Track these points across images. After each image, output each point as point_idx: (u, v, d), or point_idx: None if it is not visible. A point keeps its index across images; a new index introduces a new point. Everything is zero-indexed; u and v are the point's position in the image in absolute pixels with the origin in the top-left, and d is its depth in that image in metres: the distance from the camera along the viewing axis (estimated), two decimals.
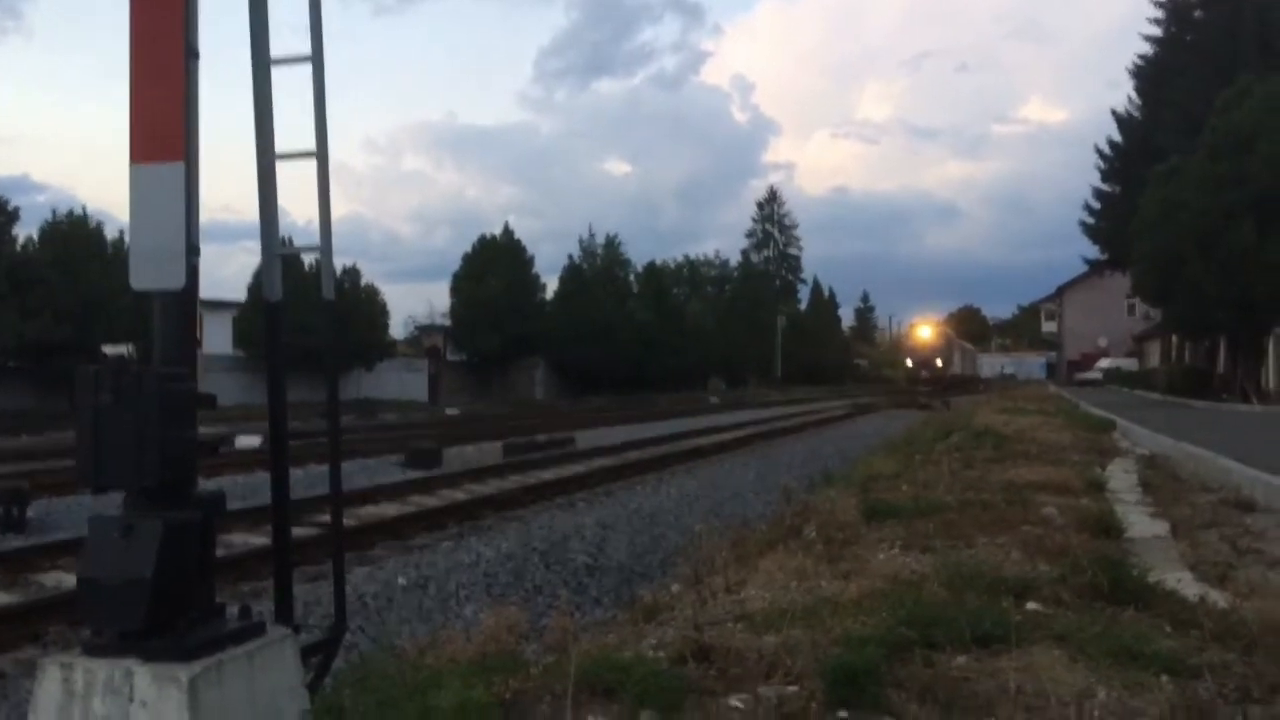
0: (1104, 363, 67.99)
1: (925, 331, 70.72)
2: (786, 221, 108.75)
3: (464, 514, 11.95)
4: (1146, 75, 42.42)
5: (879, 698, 3.32)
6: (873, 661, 3.48)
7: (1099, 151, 45.80)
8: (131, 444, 3.37)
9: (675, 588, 6.45)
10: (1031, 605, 4.49)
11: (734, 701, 3.32)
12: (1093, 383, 60.19)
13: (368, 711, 3.49)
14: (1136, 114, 43.52)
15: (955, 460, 11.63)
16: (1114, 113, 45.02)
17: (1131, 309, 65.89)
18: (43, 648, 5.89)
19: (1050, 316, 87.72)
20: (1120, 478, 10.66)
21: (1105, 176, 45.63)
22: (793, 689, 3.40)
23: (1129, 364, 63.95)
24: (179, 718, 3.06)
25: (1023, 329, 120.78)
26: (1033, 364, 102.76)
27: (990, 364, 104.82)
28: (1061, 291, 78.73)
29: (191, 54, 3.72)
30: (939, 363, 67.38)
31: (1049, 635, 3.96)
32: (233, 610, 3.66)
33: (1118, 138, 44.82)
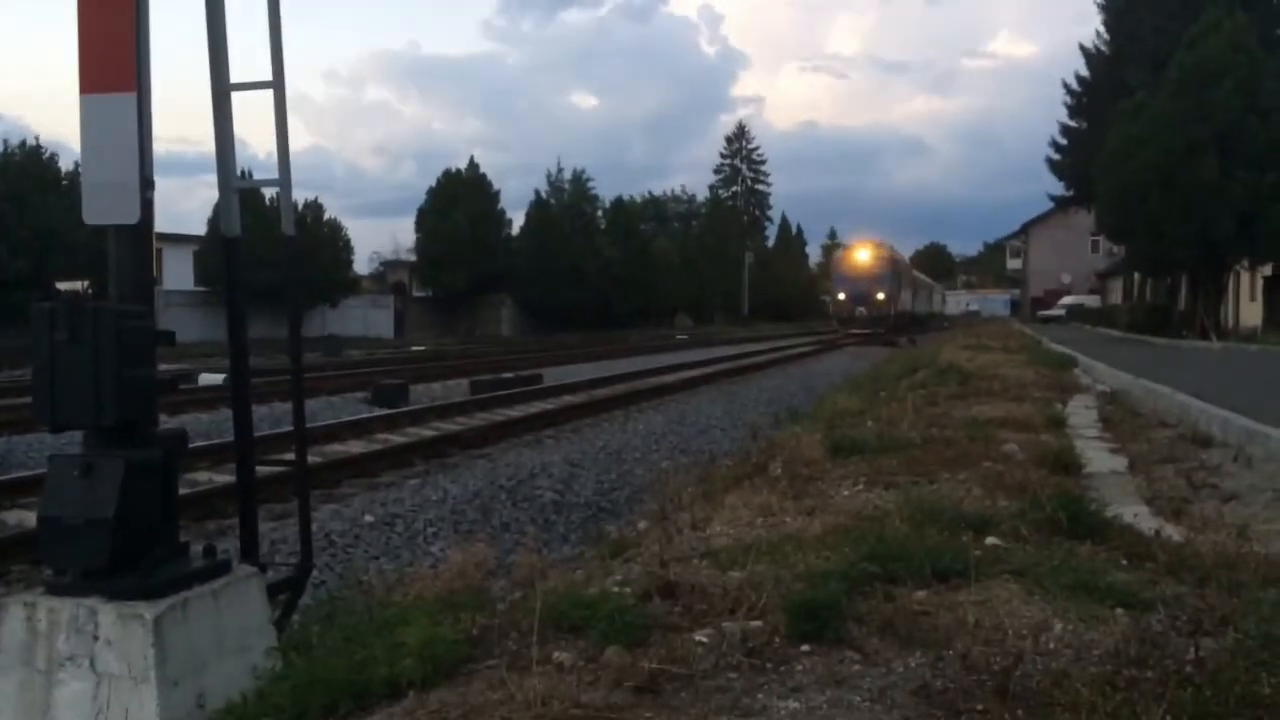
0: (1067, 300, 68.57)
1: (863, 255, 49.87)
2: (755, 157, 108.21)
3: (431, 451, 11.95)
4: (1114, 9, 42.17)
5: (841, 631, 3.38)
6: (835, 596, 3.53)
7: (1066, 87, 45.69)
8: (89, 382, 3.33)
9: (642, 524, 6.50)
10: (991, 540, 4.57)
11: (699, 637, 3.36)
12: (1056, 319, 60.80)
13: (335, 648, 3.51)
14: (1104, 49, 43.38)
15: (919, 397, 11.75)
16: (1081, 47, 44.80)
17: (1095, 246, 66.42)
18: (6, 587, 5.86)
19: (1015, 254, 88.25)
20: (1080, 414, 10.82)
21: (1073, 112, 45.59)
22: (756, 624, 3.45)
23: (1092, 301, 64.64)
24: (144, 656, 3.06)
25: (988, 266, 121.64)
26: (997, 301, 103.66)
27: (955, 301, 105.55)
28: (1027, 228, 79.12)
29: None
30: (881, 296, 48.32)
31: (1007, 569, 4.04)
32: (197, 549, 3.65)
33: (1085, 73, 44.74)
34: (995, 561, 4.15)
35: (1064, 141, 45.77)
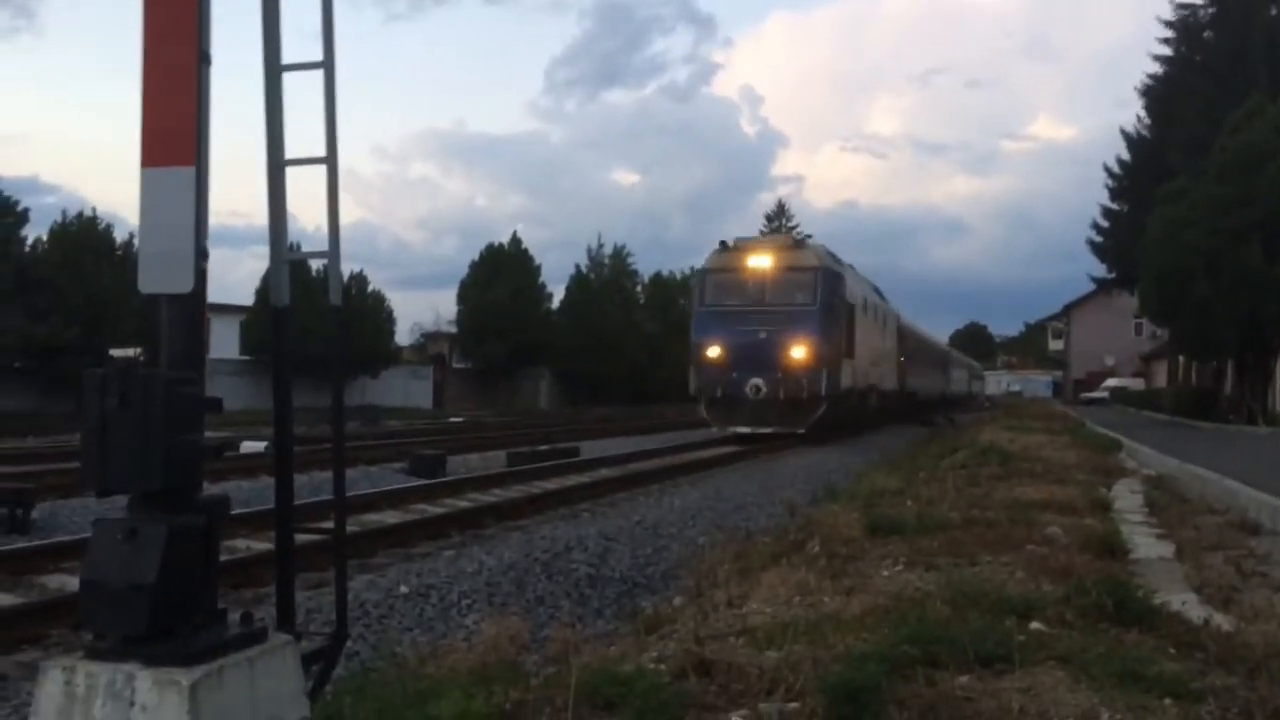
0: (1110, 382, 67.69)
1: (760, 262, 24.12)
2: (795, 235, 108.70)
3: (467, 522, 11.94)
4: (1155, 94, 42.37)
5: (881, 715, 3.31)
6: (875, 679, 3.47)
7: (1107, 170, 45.74)
8: (137, 448, 3.37)
9: (677, 600, 6.44)
10: (1035, 625, 4.47)
11: (735, 718, 3.31)
12: (1099, 402, 59.94)
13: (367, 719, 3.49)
14: (1145, 133, 43.46)
15: (960, 477, 11.60)
16: (1123, 131, 44.96)
17: (1139, 329, 65.72)
18: (45, 650, 5.89)
19: (1057, 335, 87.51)
20: (1126, 498, 10.62)
21: (1114, 195, 45.55)
22: (794, 706, 3.38)
23: (1136, 384, 63.77)
24: None
25: (1029, 347, 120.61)
26: (1039, 382, 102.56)
27: (996, 381, 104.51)
28: (1069, 310, 78.54)
29: (204, 59, 3.73)
30: (801, 351, 22.98)
31: (1053, 656, 3.94)
32: (234, 616, 3.66)
33: (1126, 156, 44.77)
34: (1040, 647, 4.05)
35: (1105, 224, 45.64)
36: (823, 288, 23.65)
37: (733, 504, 14.74)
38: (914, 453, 19.61)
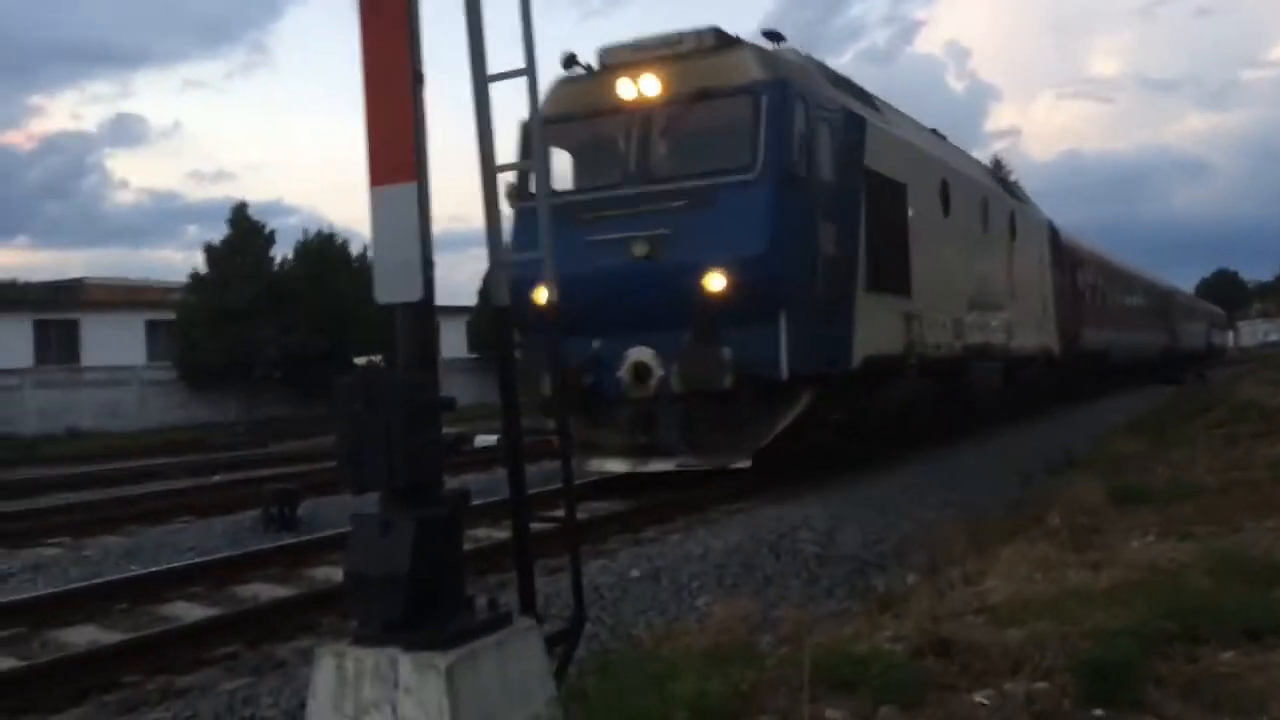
0: None
1: (642, 88, 10.36)
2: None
3: (691, 507, 12.07)
4: None
5: (1137, 694, 3.14)
6: (1129, 656, 3.29)
7: None
8: (383, 447, 3.63)
9: (910, 578, 6.31)
10: None
11: (979, 698, 3.22)
12: None
13: (610, 699, 3.61)
14: None
15: (1215, 438, 10.77)
16: None
17: None
18: (317, 637, 6.40)
19: None
20: None
21: None
22: (1041, 685, 3.26)
23: None
24: (439, 703, 3.26)
25: None
26: None
27: (1250, 331, 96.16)
28: None
29: (418, 79, 3.95)
30: (744, 287, 9.66)
31: None
32: (480, 602, 3.88)
33: None
34: None
35: None
36: (775, 126, 10.29)
37: (962, 477, 14.25)
38: (1159, 414, 18.31)
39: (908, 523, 10.83)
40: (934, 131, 17.17)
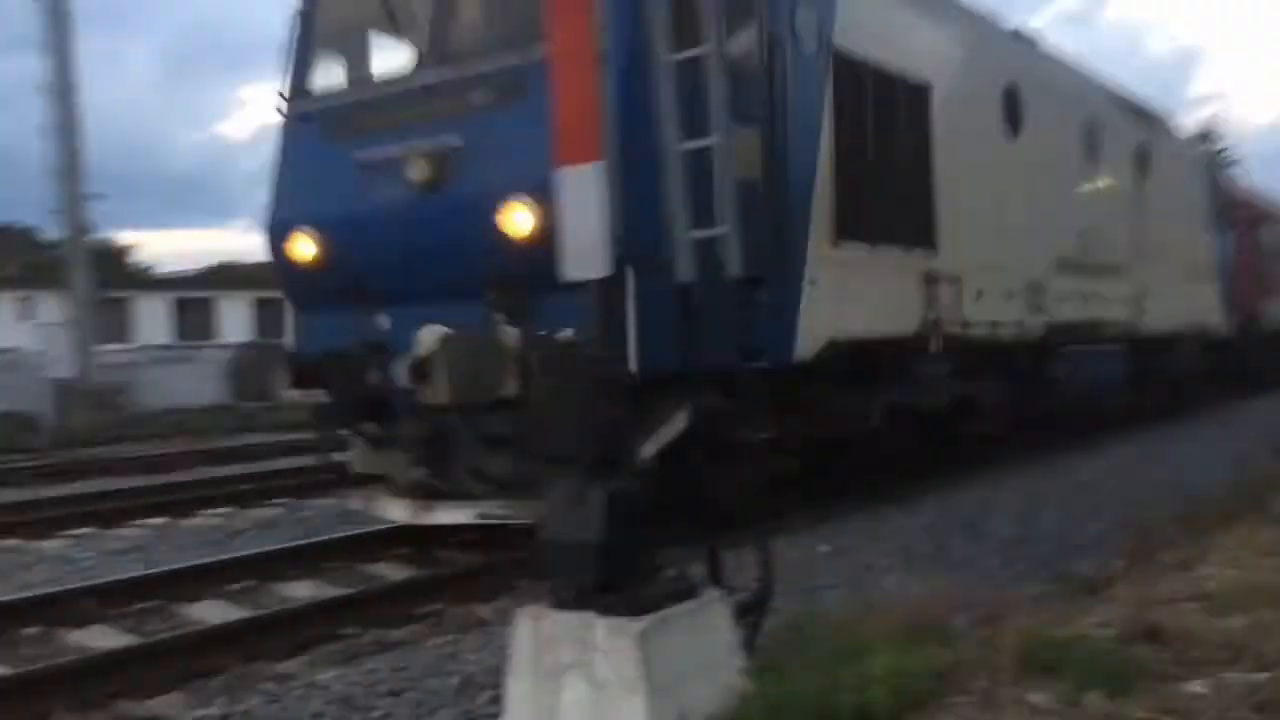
0: None
1: None
2: (1225, 159, 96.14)
3: (883, 485, 11.84)
4: None
5: None
6: None
7: None
8: (574, 421, 3.76)
9: (1117, 563, 6.01)
10: None
11: (1194, 687, 3.04)
12: None
13: (801, 672, 3.61)
14: None
15: None
16: None
17: None
18: (514, 598, 6.64)
19: None
20: None
21: None
22: (1263, 676, 3.05)
23: None
24: (633, 667, 3.35)
25: None
26: None
27: None
28: None
29: (601, 58, 4.05)
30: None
31: None
32: (670, 572, 3.95)
33: None
34: None
35: None
36: None
37: (1171, 460, 13.42)
38: None
39: (1112, 505, 10.31)
40: (1015, 34, 12.01)
